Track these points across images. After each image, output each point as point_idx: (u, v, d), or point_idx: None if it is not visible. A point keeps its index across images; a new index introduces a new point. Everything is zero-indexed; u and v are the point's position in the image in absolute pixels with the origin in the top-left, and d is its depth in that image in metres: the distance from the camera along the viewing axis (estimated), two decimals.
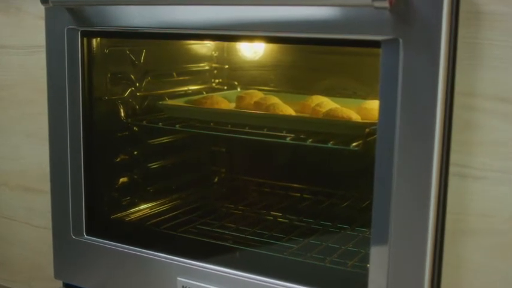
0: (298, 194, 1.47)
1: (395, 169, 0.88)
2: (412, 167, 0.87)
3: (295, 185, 1.48)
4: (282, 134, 1.17)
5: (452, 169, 0.87)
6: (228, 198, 1.47)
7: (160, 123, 1.27)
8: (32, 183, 1.31)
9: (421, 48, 0.84)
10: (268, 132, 1.18)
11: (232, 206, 1.41)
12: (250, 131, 1.20)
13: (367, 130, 1.08)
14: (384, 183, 0.89)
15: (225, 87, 1.56)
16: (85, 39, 1.15)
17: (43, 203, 1.28)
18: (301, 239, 1.20)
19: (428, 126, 0.85)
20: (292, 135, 1.16)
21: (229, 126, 1.22)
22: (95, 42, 1.18)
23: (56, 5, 1.11)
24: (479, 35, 0.83)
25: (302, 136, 1.15)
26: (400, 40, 0.84)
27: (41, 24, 1.19)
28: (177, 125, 1.26)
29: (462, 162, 0.86)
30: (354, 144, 1.08)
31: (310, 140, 1.13)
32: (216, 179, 1.60)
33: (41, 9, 1.17)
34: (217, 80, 1.57)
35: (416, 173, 0.87)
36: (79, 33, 1.14)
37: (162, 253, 1.13)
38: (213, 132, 1.25)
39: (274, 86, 1.50)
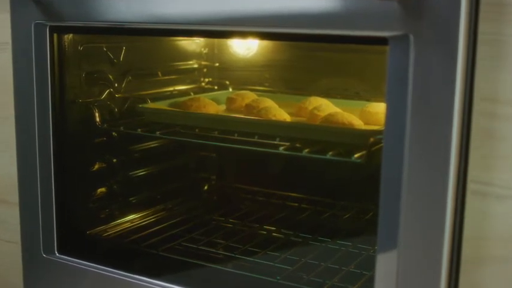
0: (296, 204, 1.42)
1: (404, 186, 0.82)
2: (424, 184, 0.81)
3: (292, 194, 1.45)
4: (275, 143, 1.10)
5: (470, 187, 0.81)
6: (218, 209, 1.42)
7: (139, 129, 1.21)
8: (0, 194, 1.25)
9: (435, 45, 0.78)
10: (259, 141, 1.12)
11: (223, 218, 1.36)
12: (239, 138, 1.14)
13: (371, 139, 1.02)
14: (390, 202, 0.84)
15: (216, 87, 1.52)
16: (55, 35, 1.11)
17: (13, 215, 1.22)
18: (297, 258, 1.14)
19: (443, 137, 0.79)
20: (287, 143, 1.10)
21: (216, 132, 1.17)
22: (66, 38, 1.14)
23: None
24: (503, 31, 0.77)
25: (298, 145, 1.09)
26: (411, 36, 0.79)
27: (7, 18, 1.13)
28: (158, 132, 1.20)
29: (482, 178, 0.81)
30: (356, 155, 1.02)
31: (306, 150, 1.07)
32: (205, 187, 1.56)
33: (6, 1, 1.12)
34: (207, 80, 1.53)
35: (429, 191, 0.81)
36: (47, 28, 1.10)
37: (142, 276, 1.08)
38: (197, 140, 1.19)
39: (269, 86, 1.46)
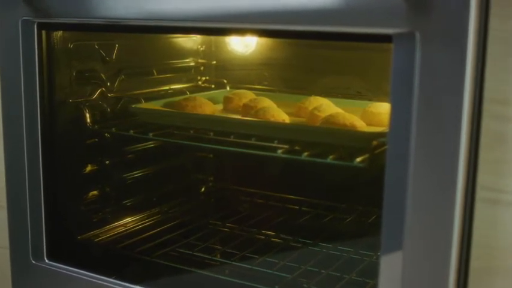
0: (296, 207, 1.41)
1: (410, 192, 0.80)
2: (431, 190, 0.80)
3: (292, 197, 1.43)
4: (273, 145, 1.08)
5: (480, 193, 0.79)
6: (215, 213, 1.41)
7: (132, 131, 1.19)
8: None
9: (442, 43, 0.76)
10: (256, 143, 1.09)
11: (220, 222, 1.34)
12: (235, 140, 1.11)
13: (374, 142, 1.00)
14: (394, 209, 0.82)
15: (213, 86, 1.50)
16: (43, 33, 1.10)
17: (1, 219, 1.20)
18: (297, 265, 1.12)
19: (451, 140, 0.78)
20: (286, 146, 1.08)
21: (212, 134, 1.14)
22: (55, 35, 1.13)
23: None
24: None
25: (297, 147, 1.06)
26: (417, 34, 0.77)
27: None
28: (151, 133, 1.18)
29: (492, 185, 0.79)
30: (359, 159, 1.00)
31: (306, 154, 1.04)
32: (202, 189, 1.54)
33: None
34: (203, 78, 1.51)
35: (436, 197, 0.79)
36: (35, 25, 1.08)
37: (135, 284, 1.06)
38: (192, 142, 1.17)
39: (268, 84, 1.45)
